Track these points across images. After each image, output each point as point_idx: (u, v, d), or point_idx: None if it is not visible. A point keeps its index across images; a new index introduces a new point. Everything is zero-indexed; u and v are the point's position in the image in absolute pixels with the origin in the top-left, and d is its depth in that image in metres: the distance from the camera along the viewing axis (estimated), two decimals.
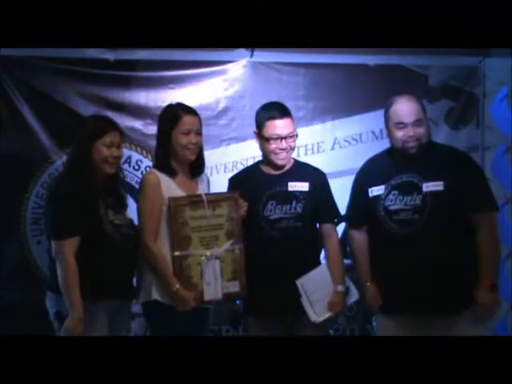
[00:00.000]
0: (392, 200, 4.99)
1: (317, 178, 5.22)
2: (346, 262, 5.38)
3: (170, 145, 4.97)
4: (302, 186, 5.16)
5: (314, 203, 5.14)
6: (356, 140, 6.43)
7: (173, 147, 4.97)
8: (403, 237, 4.88)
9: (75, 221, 4.83)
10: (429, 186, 4.93)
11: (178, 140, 4.96)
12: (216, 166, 6.13)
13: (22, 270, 5.98)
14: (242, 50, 6.39)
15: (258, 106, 5.30)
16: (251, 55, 6.36)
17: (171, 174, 4.98)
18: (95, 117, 5.65)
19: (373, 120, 6.28)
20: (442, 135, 6.37)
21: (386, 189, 4.98)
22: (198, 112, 5.22)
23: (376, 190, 5.01)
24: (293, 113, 5.35)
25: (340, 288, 5.05)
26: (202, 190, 5.18)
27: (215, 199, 5.07)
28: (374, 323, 5.34)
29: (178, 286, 4.84)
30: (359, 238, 5.15)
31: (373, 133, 6.40)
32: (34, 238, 6.32)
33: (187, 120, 5.00)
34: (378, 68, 6.43)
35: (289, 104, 5.38)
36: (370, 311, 5.26)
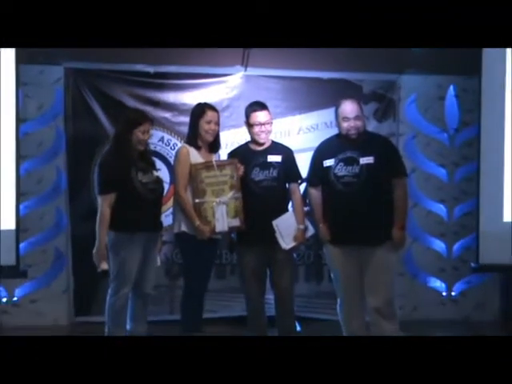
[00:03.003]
0: (339, 169, 5.14)
1: (287, 152, 5.37)
2: (306, 209, 5.52)
3: (197, 129, 5.19)
4: (277, 158, 5.31)
5: (285, 170, 5.28)
6: (314, 128, 6.60)
7: (199, 131, 5.18)
8: (347, 193, 5.11)
9: (111, 182, 5.04)
10: (364, 160, 5.11)
11: (202, 127, 5.17)
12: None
13: (91, 212, 5.78)
14: (238, 66, 6.52)
15: None
16: (245, 70, 6.52)
17: (197, 148, 5.20)
18: (134, 110, 5.85)
19: (325, 115, 6.49)
20: (372, 126, 6.46)
21: (335, 161, 5.14)
22: (198, 103, 5.43)
23: (328, 162, 5.17)
24: (272, 109, 5.51)
25: (301, 227, 5.25)
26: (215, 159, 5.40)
27: (222, 164, 5.24)
28: (324, 250, 5.39)
29: (198, 222, 5.04)
30: (315, 194, 5.28)
31: (325, 123, 6.57)
32: None
33: (210, 114, 5.21)
34: (330, 80, 6.64)
35: (270, 103, 5.55)
36: (322, 242, 5.33)
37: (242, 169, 5.26)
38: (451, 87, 6.78)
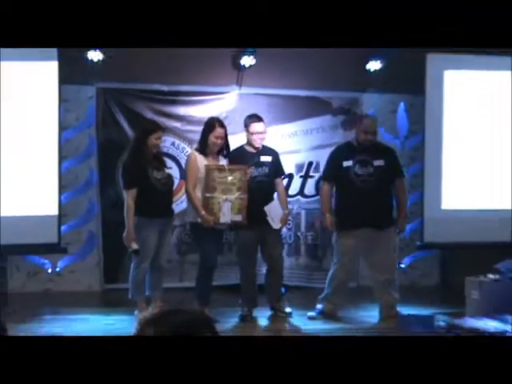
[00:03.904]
0: (357, 168, 5.55)
1: (274, 154, 5.78)
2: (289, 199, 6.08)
3: (206, 141, 5.49)
4: (267, 158, 5.71)
5: (273, 167, 5.69)
6: (293, 134, 7.00)
7: (208, 143, 5.47)
8: (363, 188, 5.54)
9: (132, 180, 5.41)
10: (376, 162, 5.57)
11: (211, 140, 5.45)
12: None
13: (117, 201, 6.22)
14: (234, 86, 6.87)
15: (244, 116, 5.78)
16: (239, 89, 6.88)
17: (205, 155, 5.49)
18: (148, 120, 6.27)
19: (303, 124, 6.97)
20: (340, 134, 7.01)
21: (353, 162, 5.56)
22: (211, 118, 5.68)
23: (347, 163, 5.59)
24: (271, 118, 6.18)
25: (286, 211, 5.74)
26: (221, 163, 5.57)
27: (233, 168, 5.51)
28: (334, 234, 5.71)
29: (203, 213, 5.37)
30: (327, 188, 5.73)
31: (302, 131, 6.99)
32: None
33: (218, 130, 5.47)
34: (306, 97, 7.06)
35: (270, 115, 6.26)
36: (327, 229, 5.82)
37: (249, 174, 5.50)
38: (402, 104, 7.22)
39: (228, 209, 5.49)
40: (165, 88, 6.85)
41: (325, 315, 5.73)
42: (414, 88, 6.88)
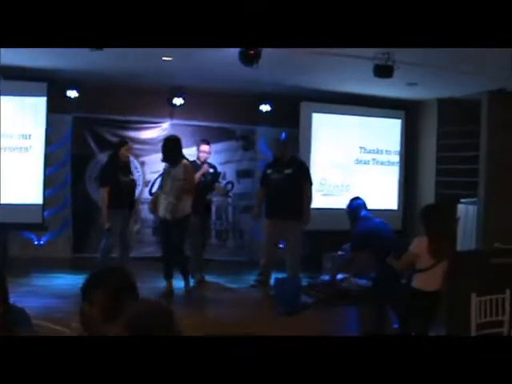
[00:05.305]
0: (274, 175, 6.49)
1: (214, 167, 6.94)
2: None
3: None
4: (211, 170, 6.84)
5: (213, 176, 6.83)
6: (223, 151, 8.27)
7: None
8: (276, 190, 6.38)
9: (107, 180, 6.27)
10: (286, 171, 6.46)
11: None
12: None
13: (84, 197, 7.69)
14: (168, 119, 8.04)
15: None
16: (171, 120, 8.11)
17: (171, 165, 6.14)
18: (120, 140, 6.97)
19: (215, 146, 7.81)
20: (240, 153, 8.44)
21: (272, 171, 6.54)
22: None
23: (268, 171, 6.59)
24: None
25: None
26: (178, 170, 6.17)
27: (172, 179, 6.10)
28: (264, 222, 6.58)
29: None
30: (260, 190, 6.73)
31: (215, 151, 7.68)
32: (93, 188, 7.73)
33: (169, 143, 6.29)
34: (217, 127, 8.19)
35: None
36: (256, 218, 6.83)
37: (187, 186, 6.07)
38: (283, 134, 7.95)
39: (164, 207, 6.27)
40: (120, 117, 8.14)
41: (261, 283, 6.75)
42: (292, 124, 8.36)
